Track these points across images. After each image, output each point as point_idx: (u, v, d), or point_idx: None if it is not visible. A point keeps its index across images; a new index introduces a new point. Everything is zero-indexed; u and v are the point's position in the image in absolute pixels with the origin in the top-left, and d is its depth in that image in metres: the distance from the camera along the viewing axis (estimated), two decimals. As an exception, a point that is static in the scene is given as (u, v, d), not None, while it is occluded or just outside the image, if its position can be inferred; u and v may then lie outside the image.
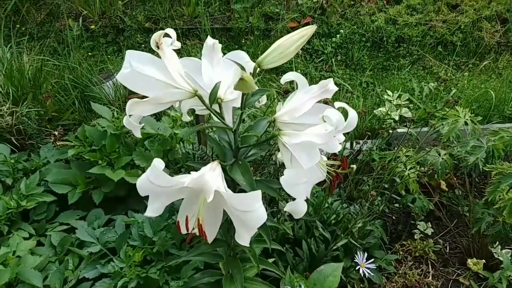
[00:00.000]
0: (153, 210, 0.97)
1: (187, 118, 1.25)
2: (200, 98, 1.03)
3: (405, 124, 2.76)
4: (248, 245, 0.98)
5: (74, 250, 1.76)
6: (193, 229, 0.94)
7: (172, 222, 1.74)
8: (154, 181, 0.86)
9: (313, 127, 0.96)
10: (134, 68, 0.94)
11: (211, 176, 0.83)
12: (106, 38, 4.20)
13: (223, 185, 0.87)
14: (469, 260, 1.66)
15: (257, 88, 0.94)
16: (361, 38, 3.65)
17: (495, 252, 1.95)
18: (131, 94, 0.96)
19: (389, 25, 3.66)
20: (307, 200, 2.28)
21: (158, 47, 0.97)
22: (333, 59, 3.54)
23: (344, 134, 1.12)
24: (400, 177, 1.94)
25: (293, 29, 3.88)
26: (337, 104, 0.94)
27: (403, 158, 2.03)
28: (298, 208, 0.98)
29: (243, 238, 0.97)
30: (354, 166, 0.97)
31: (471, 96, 2.86)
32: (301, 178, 0.91)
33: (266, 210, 1.21)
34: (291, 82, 1.20)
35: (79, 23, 3.98)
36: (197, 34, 4.10)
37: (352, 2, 3.86)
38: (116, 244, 1.76)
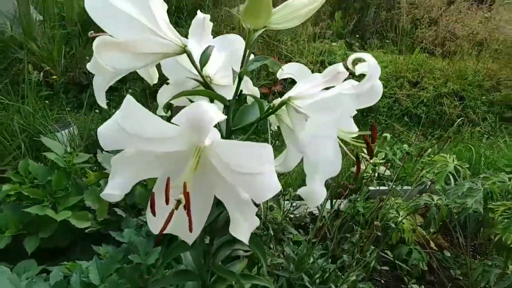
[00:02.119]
0: (115, 186, 0.68)
1: (162, 113, 1.03)
2: (190, 56, 0.82)
3: (383, 182, 2.63)
4: (247, 241, 0.70)
5: (-14, 305, 1.31)
6: (173, 210, 0.65)
7: (128, 263, 1.37)
8: (128, 126, 0.60)
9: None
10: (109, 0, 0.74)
11: (211, 107, 0.59)
12: (67, 94, 3.97)
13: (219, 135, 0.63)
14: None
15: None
16: (331, 106, 3.69)
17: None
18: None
19: (357, 96, 3.76)
20: (288, 257, 1.96)
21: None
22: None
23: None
24: (394, 223, 1.72)
25: (265, 94, 3.88)
26: (355, 55, 0.77)
27: (393, 205, 1.84)
28: (314, 190, 0.73)
29: (241, 229, 0.70)
30: (388, 135, 0.77)
31: (444, 159, 2.84)
32: (322, 129, 0.69)
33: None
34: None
35: (40, 76, 3.77)
36: (165, 96, 3.98)
37: (320, 75, 3.98)
38: (48, 297, 1.34)
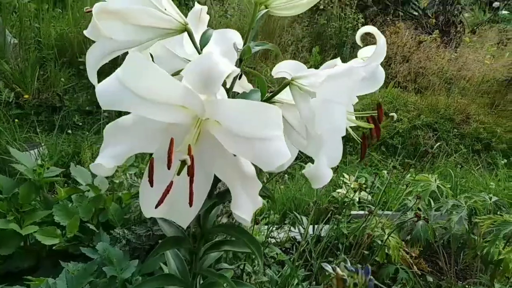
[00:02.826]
0: (108, 156, 0.62)
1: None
2: (191, 35, 0.79)
3: (363, 206, 2.62)
4: (249, 220, 0.64)
5: None
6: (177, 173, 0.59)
7: (102, 277, 1.24)
8: (130, 82, 0.55)
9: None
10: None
11: (221, 58, 0.55)
12: (38, 116, 3.82)
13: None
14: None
15: None
16: (310, 134, 3.72)
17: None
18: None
19: (335, 125, 3.82)
20: (271, 279, 1.87)
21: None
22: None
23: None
24: (380, 240, 1.68)
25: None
26: (365, 28, 0.76)
27: (378, 224, 1.81)
28: (320, 169, 0.69)
29: (243, 208, 0.64)
30: (394, 115, 0.75)
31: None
32: (339, 96, 0.66)
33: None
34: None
35: (11, 96, 3.63)
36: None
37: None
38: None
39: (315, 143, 0.71)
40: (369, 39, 0.83)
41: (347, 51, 5.20)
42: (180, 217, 0.68)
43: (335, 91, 0.65)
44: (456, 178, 3.05)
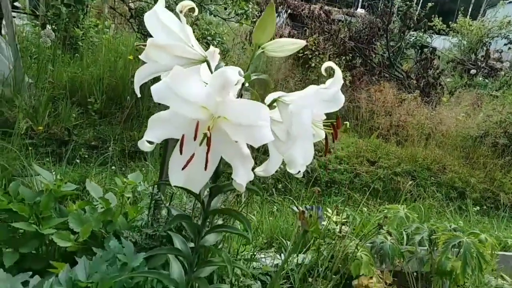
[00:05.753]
0: (151, 136, 0.92)
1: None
2: (209, 64, 1.13)
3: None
4: (245, 185, 0.93)
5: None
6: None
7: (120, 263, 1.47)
8: (175, 86, 0.86)
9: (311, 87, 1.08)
10: (158, 16, 1.05)
11: (233, 71, 0.87)
12: (47, 148, 4.11)
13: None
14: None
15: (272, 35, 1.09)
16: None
17: None
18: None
19: (321, 168, 4.15)
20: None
21: (181, 11, 1.11)
22: (273, 188, 3.78)
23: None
24: (353, 257, 1.93)
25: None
26: (328, 63, 1.10)
27: (351, 244, 2.06)
28: (295, 156, 1.00)
29: (241, 177, 0.93)
30: (347, 123, 1.06)
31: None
32: (307, 105, 0.97)
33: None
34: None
35: (24, 128, 3.94)
36: (144, 157, 4.20)
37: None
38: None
39: (292, 138, 1.01)
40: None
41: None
42: (195, 184, 0.96)
43: (305, 103, 0.97)
44: (428, 214, 3.32)
